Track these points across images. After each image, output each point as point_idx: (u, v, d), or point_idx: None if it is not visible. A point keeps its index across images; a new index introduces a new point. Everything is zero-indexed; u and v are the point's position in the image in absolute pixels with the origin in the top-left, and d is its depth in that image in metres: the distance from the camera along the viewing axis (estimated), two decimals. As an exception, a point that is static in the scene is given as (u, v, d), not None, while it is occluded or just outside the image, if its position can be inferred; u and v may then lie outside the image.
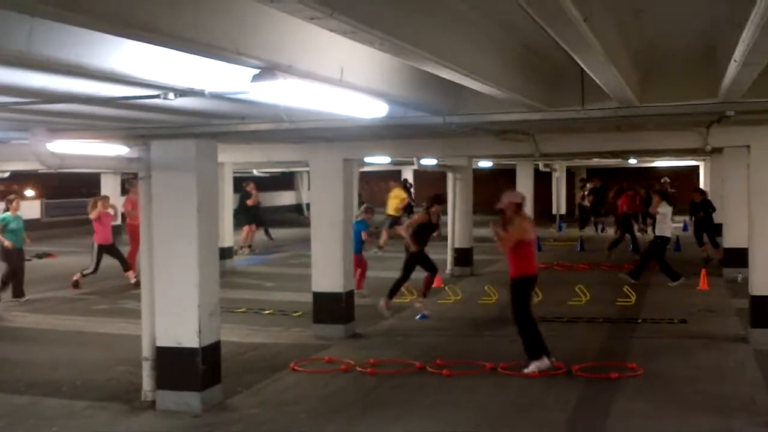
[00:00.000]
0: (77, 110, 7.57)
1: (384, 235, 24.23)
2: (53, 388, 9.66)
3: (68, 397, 9.29)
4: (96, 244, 17.34)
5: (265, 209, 27.80)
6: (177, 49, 4.49)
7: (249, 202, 25.00)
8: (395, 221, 24.83)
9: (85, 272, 17.28)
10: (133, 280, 17.20)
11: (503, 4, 4.85)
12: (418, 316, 13.76)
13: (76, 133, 9.12)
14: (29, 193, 32.61)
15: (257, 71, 4.95)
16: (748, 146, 11.65)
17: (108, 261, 17.49)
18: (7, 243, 15.41)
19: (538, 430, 8.07)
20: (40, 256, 23.36)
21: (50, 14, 3.62)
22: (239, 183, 24.80)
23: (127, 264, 17.71)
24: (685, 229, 29.01)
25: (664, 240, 17.28)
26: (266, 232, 26.94)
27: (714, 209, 20.27)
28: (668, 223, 17.40)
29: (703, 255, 20.16)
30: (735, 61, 5.15)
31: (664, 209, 17.40)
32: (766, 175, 11.28)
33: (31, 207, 31.23)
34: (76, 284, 17.23)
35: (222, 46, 4.26)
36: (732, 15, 5.16)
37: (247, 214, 24.97)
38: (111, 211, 17.95)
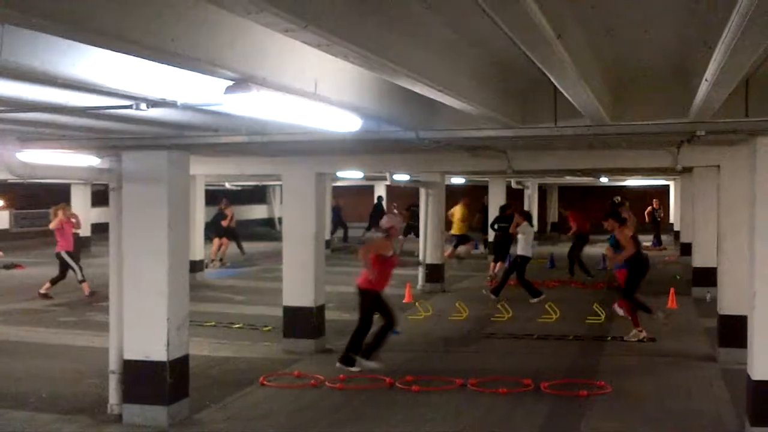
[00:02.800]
0: (48, 120, 7.51)
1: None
2: (19, 400, 9.53)
3: (34, 410, 9.17)
4: (60, 252, 17.15)
5: (237, 222, 27.65)
6: (151, 60, 4.46)
7: (224, 223, 24.91)
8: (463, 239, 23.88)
9: (79, 279, 17.14)
10: (87, 292, 17.05)
11: (477, 21, 4.86)
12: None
13: (47, 142, 9.06)
14: (-2, 203, 32.33)
15: (231, 83, 4.93)
16: (718, 166, 11.78)
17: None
18: None
19: (507, 446, 8.07)
20: (8, 266, 23.13)
21: (20, 21, 3.59)
22: (211, 196, 24.71)
23: (83, 274, 17.47)
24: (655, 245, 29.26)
25: (524, 259, 17.81)
26: (239, 246, 26.82)
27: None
28: (529, 242, 17.96)
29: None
30: (706, 80, 5.20)
31: (526, 230, 17.98)
32: (736, 194, 11.37)
33: (-1, 217, 31.02)
34: (45, 296, 17.10)
35: (196, 57, 4.24)
36: (703, 35, 5.22)
37: (218, 229, 24.89)
38: (73, 219, 17.75)
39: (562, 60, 4.51)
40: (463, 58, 6.11)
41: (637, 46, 6.35)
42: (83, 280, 17.14)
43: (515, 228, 18.06)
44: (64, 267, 17.15)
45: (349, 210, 37.09)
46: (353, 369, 10.78)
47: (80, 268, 17.32)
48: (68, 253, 17.14)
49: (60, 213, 17.29)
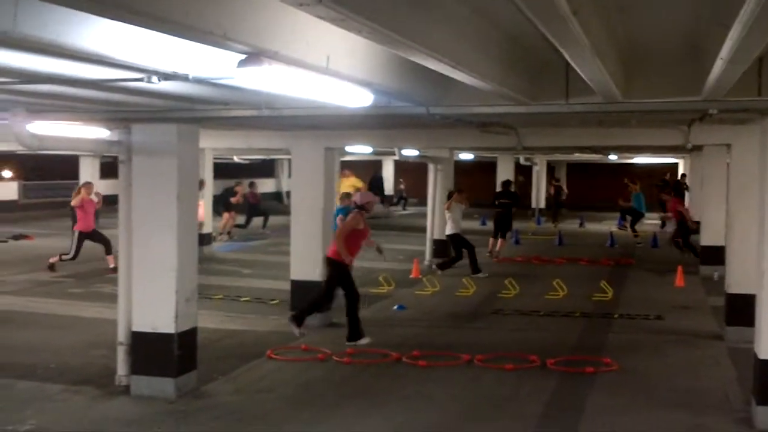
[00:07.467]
0: (59, 91, 7.51)
1: None
2: (27, 370, 9.58)
3: (42, 380, 9.22)
4: (77, 231, 17.10)
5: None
6: (164, 32, 4.44)
7: (233, 200, 24.91)
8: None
9: (63, 257, 17.01)
10: (112, 265, 17.05)
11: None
12: (395, 307, 13.76)
13: (57, 114, 9.03)
14: (7, 174, 32.35)
15: (243, 56, 4.91)
16: (729, 145, 11.73)
17: (88, 244, 17.22)
18: None
19: (512, 422, 8.08)
20: (16, 237, 23.17)
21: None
22: (219, 169, 24.66)
23: (111, 247, 17.41)
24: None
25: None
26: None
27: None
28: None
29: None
30: (721, 58, 5.17)
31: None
32: (746, 174, 11.32)
33: (8, 188, 31.06)
34: (51, 267, 17.00)
35: (209, 30, 4.23)
36: (718, 13, 5.18)
37: (227, 204, 24.89)
38: (95, 198, 17.72)
39: (578, 37, 4.49)
40: (476, 34, 6.07)
41: (650, 24, 6.34)
42: (60, 259, 17.07)
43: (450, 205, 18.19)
44: (78, 246, 17.10)
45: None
46: (299, 331, 11.04)
47: (107, 242, 17.18)
48: (83, 233, 17.04)
49: (83, 191, 17.24)
